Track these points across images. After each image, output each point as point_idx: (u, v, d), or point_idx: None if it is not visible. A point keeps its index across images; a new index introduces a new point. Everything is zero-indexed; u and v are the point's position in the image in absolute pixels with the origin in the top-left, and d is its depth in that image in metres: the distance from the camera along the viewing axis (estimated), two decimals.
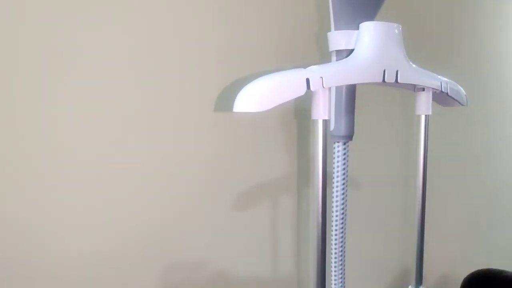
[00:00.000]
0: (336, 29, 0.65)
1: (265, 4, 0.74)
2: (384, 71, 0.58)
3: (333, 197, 0.72)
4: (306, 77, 0.51)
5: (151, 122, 0.65)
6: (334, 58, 0.66)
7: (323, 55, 0.80)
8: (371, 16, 0.63)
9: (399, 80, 0.60)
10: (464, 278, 1.25)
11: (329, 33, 0.65)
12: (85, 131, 0.60)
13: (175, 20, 0.66)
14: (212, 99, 0.68)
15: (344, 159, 0.71)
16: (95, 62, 0.60)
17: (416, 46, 0.99)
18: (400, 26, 0.60)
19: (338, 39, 0.63)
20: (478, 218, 1.37)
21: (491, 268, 1.29)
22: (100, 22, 0.60)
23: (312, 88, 0.52)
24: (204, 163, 0.70)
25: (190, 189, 0.69)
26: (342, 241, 0.73)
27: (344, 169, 0.71)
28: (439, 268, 1.24)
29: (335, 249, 0.73)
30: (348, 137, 0.69)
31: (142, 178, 0.65)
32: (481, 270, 1.29)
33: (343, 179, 0.71)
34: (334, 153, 0.70)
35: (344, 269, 0.74)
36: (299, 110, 0.79)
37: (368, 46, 0.57)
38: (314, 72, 0.52)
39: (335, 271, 0.74)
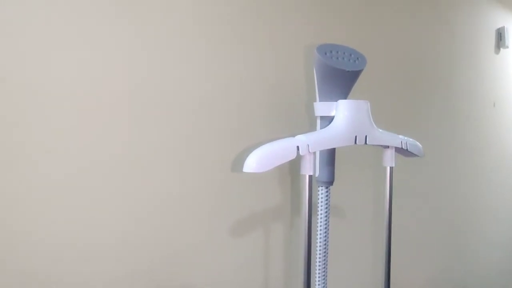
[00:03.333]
0: (320, 100, 0.84)
1: (270, 81, 0.93)
2: (356, 136, 0.77)
3: (317, 229, 0.89)
4: (297, 145, 0.70)
5: (167, 162, 0.81)
6: (318, 121, 0.85)
7: (310, 117, 0.99)
8: (346, 92, 0.83)
9: (367, 143, 0.79)
10: None
11: (315, 103, 0.84)
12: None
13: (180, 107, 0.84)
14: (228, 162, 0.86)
15: (327, 200, 0.88)
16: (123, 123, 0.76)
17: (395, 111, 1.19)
18: (368, 102, 0.79)
19: (321, 108, 0.82)
20: (451, 240, 1.54)
21: None
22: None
23: (301, 153, 0.70)
24: (206, 195, 0.85)
25: (190, 215, 0.82)
26: (324, 263, 0.90)
27: (326, 207, 0.89)
28: None
29: (319, 267, 0.89)
30: (330, 182, 0.87)
31: (147, 203, 0.77)
32: None
33: (326, 216, 0.89)
34: (318, 195, 0.88)
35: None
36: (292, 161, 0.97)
37: (343, 119, 0.76)
38: (302, 141, 0.71)
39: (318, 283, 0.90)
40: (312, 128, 0.97)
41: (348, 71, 0.79)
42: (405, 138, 0.87)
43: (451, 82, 1.48)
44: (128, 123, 0.75)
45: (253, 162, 0.66)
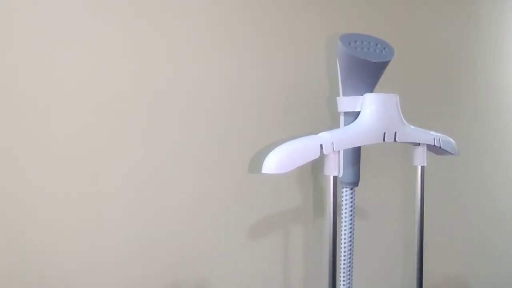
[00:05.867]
0: (344, 94, 0.77)
1: (289, 75, 0.87)
2: (384, 133, 0.70)
3: (341, 233, 0.83)
4: (320, 143, 0.63)
5: (192, 163, 0.77)
6: (342, 117, 0.79)
7: (333, 114, 0.93)
8: (372, 85, 0.76)
9: (397, 140, 0.72)
10: None
11: (338, 98, 0.78)
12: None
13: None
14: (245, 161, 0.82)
15: (351, 201, 0.82)
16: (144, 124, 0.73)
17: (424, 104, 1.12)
18: (397, 95, 0.72)
19: (345, 103, 0.76)
20: (483, 242, 1.45)
21: None
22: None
23: (325, 152, 0.64)
24: (224, 196, 0.81)
25: (209, 217, 0.80)
26: (349, 267, 0.83)
27: (351, 210, 0.82)
28: None
29: (343, 272, 0.83)
30: (354, 183, 0.81)
31: (164, 206, 0.75)
32: None
33: (351, 218, 0.82)
34: (342, 196, 0.82)
35: None
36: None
37: (370, 115, 0.69)
38: (326, 138, 0.64)
39: None
40: (334, 125, 0.91)
41: (375, 62, 0.73)
42: (438, 134, 0.80)
43: (485, 76, 1.38)
44: (143, 126, 0.73)
45: (273, 163, 0.60)
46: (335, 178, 0.68)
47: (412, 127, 0.75)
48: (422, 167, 0.80)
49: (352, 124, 0.70)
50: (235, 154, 0.81)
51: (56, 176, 0.66)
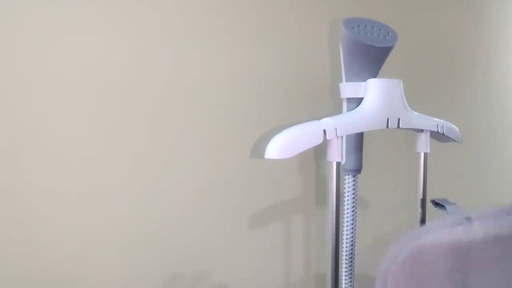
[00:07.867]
0: (346, 80, 0.76)
1: (290, 61, 0.86)
2: (388, 119, 0.70)
3: (343, 221, 0.82)
4: (323, 129, 0.63)
5: (193, 152, 0.77)
6: (344, 104, 0.78)
7: (335, 101, 0.92)
8: (376, 71, 0.75)
9: (400, 126, 0.71)
10: None
11: (340, 84, 0.77)
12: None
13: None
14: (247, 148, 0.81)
15: (354, 189, 0.81)
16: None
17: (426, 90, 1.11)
18: (401, 80, 0.72)
19: (348, 89, 0.75)
20: None
21: None
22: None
23: (328, 137, 0.63)
24: (225, 185, 0.81)
25: (210, 207, 0.80)
26: (351, 256, 0.84)
27: (354, 198, 0.82)
28: None
29: (345, 261, 0.83)
30: (357, 170, 0.80)
31: (170, 193, 0.76)
32: None
33: (353, 207, 0.82)
34: (344, 184, 0.81)
35: (354, 281, 0.85)
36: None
37: (373, 100, 0.68)
38: (329, 124, 0.64)
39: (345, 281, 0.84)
40: (336, 112, 0.90)
41: (378, 47, 0.72)
42: (441, 121, 0.79)
43: (490, 64, 1.37)
44: (144, 121, 0.72)
45: (276, 148, 0.60)
46: (338, 164, 0.67)
47: (416, 113, 0.75)
48: (425, 154, 0.80)
49: (355, 110, 0.69)
50: (238, 144, 0.81)
51: (57, 173, 0.65)
